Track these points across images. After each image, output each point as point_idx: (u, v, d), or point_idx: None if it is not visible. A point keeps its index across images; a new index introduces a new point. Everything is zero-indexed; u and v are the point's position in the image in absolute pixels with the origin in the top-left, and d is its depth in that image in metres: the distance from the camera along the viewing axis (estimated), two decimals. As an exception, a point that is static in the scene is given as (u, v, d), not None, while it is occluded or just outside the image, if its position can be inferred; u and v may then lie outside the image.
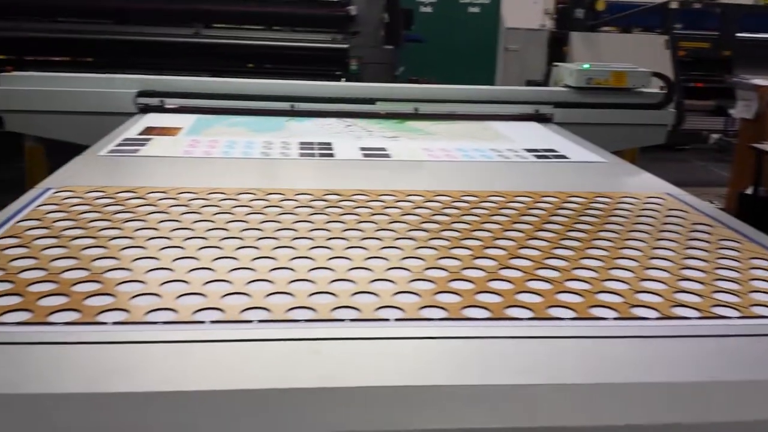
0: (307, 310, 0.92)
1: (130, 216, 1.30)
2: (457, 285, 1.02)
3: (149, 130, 2.20)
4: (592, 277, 1.07)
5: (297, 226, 1.27)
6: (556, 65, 3.10)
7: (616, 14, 7.65)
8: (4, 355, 0.80)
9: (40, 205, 1.35)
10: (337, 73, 4.96)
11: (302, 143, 2.07)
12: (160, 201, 1.40)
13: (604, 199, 1.54)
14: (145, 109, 2.54)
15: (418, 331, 0.89)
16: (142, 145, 1.97)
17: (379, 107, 2.66)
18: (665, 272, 1.11)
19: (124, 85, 2.59)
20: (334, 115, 2.59)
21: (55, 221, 1.26)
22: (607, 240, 1.26)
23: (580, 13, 7.44)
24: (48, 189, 1.47)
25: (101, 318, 0.88)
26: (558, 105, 2.74)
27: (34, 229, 1.22)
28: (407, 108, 2.66)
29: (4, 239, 1.16)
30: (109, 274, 1.02)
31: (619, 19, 7.73)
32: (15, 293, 0.94)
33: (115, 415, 0.72)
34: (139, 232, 1.21)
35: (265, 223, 1.28)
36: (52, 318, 0.88)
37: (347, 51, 5.01)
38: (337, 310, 0.93)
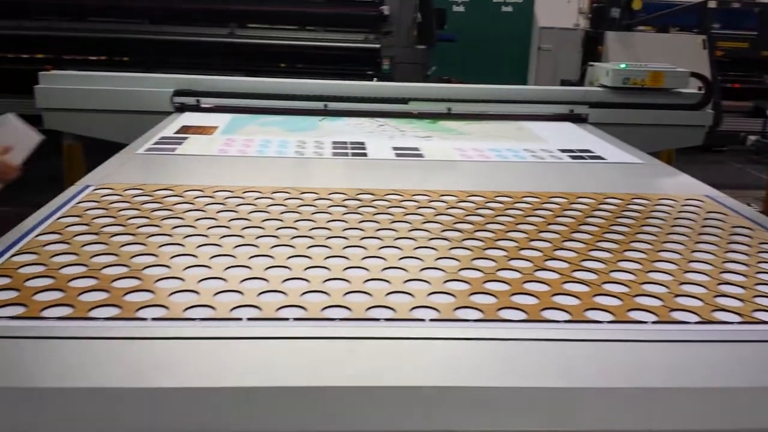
0: (342, 309, 0.92)
1: (167, 213, 1.32)
2: (492, 286, 1.02)
3: (185, 129, 2.23)
4: (630, 280, 1.06)
5: (331, 225, 1.28)
6: (591, 65, 3.06)
7: (652, 13, 7.53)
8: (46, 348, 0.81)
9: (80, 202, 1.38)
10: (369, 72, 4.96)
11: (335, 143, 2.08)
12: (197, 199, 1.41)
13: (641, 201, 1.51)
14: (182, 108, 2.57)
15: (454, 331, 0.89)
16: (179, 143, 2.00)
17: (411, 107, 2.66)
18: (705, 276, 1.09)
19: (161, 84, 2.63)
20: (366, 114, 2.59)
21: (94, 218, 1.28)
22: (646, 242, 1.24)
23: (615, 12, 7.33)
24: (87, 186, 1.49)
25: (141, 314, 0.89)
26: (593, 105, 2.71)
27: (75, 225, 1.24)
28: (440, 108, 2.65)
29: (45, 235, 1.18)
30: (147, 271, 1.03)
31: (656, 18, 7.61)
32: (57, 288, 0.96)
33: (155, 410, 0.73)
34: (176, 229, 1.23)
35: (299, 222, 1.29)
36: (93, 313, 0.89)
37: (379, 51, 5.01)
38: (372, 309, 0.93)
